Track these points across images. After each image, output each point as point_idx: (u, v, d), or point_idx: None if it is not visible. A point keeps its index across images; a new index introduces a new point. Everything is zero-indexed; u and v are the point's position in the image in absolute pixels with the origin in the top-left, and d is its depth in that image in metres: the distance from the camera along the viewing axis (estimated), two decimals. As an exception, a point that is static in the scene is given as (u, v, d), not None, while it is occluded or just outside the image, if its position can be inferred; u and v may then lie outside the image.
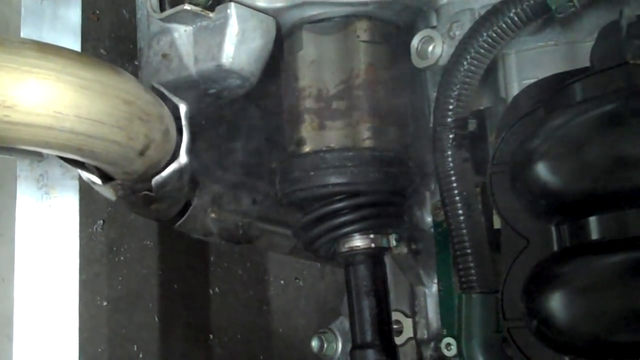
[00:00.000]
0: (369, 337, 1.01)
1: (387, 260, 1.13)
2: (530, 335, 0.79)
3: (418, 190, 1.12)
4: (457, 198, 0.93)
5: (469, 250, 0.92)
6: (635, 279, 0.71)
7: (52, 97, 0.79)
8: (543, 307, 0.75)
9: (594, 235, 0.76)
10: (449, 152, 0.93)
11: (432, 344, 1.16)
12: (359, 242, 1.03)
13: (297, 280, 1.48)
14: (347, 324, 1.24)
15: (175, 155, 0.96)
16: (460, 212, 0.93)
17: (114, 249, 1.40)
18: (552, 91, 0.81)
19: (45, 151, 0.86)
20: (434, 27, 1.02)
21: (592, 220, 0.76)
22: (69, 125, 0.80)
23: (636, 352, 0.73)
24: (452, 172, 0.93)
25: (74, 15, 1.06)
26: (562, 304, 0.74)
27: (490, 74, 0.98)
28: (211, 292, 1.50)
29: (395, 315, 1.17)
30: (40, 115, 0.79)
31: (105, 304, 1.39)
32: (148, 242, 1.44)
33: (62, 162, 0.95)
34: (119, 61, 1.23)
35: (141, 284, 1.44)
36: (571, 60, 0.92)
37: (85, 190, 1.10)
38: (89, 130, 0.82)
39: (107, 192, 0.99)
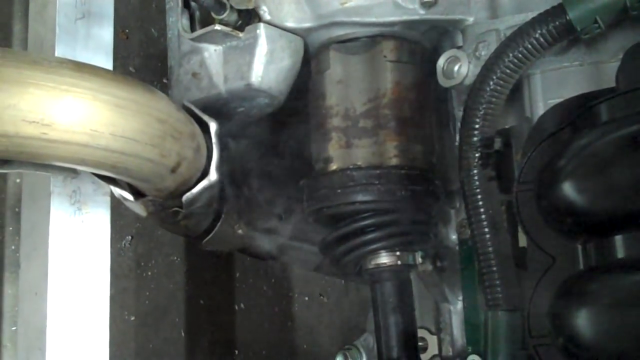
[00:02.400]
0: (395, 353, 1.02)
1: (412, 277, 1.15)
2: (557, 353, 0.79)
3: (443, 208, 1.14)
4: (483, 216, 0.94)
5: (494, 268, 0.93)
6: (661, 298, 0.72)
7: (89, 115, 0.81)
8: (569, 324, 0.76)
9: (620, 253, 0.77)
10: (475, 171, 0.94)
11: (457, 361, 1.17)
12: (385, 259, 1.04)
13: (322, 297, 1.49)
14: (371, 341, 1.25)
15: (205, 173, 0.98)
16: (486, 230, 0.93)
17: (142, 264, 1.42)
18: (578, 111, 0.83)
19: (80, 168, 0.88)
20: (459, 47, 1.03)
21: (618, 239, 0.77)
22: (104, 143, 0.82)
23: (662, 370, 0.73)
24: (478, 190, 0.94)
25: (106, 34, 1.09)
26: (589, 321, 0.75)
27: (516, 94, 0.99)
28: (236, 307, 1.51)
29: (421, 332, 1.18)
30: (77, 133, 0.81)
31: (132, 318, 1.40)
32: (175, 258, 1.46)
33: (94, 178, 0.97)
34: (148, 79, 1.25)
35: (168, 299, 1.45)
36: (596, 81, 0.93)
37: (115, 206, 1.12)
38: (124, 148, 0.84)
39: (138, 209, 1.01)
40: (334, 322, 1.45)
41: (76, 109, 0.80)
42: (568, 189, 0.77)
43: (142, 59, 1.38)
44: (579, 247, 0.82)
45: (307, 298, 1.49)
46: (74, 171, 0.94)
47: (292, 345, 1.48)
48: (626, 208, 0.75)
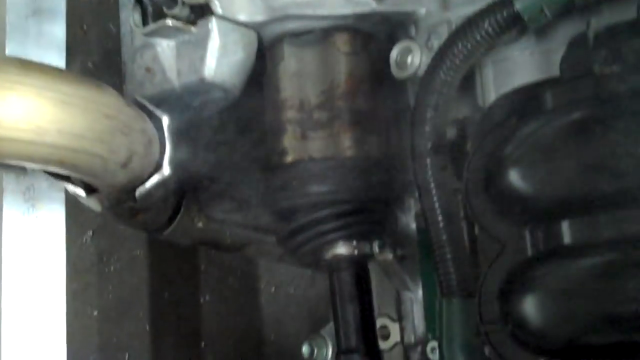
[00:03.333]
0: (353, 342, 1.03)
1: (372, 265, 1.15)
2: (507, 338, 0.80)
3: (402, 198, 1.14)
4: (436, 205, 0.94)
5: (448, 256, 0.94)
6: (604, 282, 0.73)
7: (34, 112, 0.81)
8: (517, 310, 0.77)
9: (567, 239, 0.78)
10: (427, 160, 0.94)
11: (419, 348, 1.17)
12: (342, 249, 1.04)
13: (288, 288, 1.50)
14: (336, 330, 1.26)
15: (158, 167, 0.98)
16: (440, 218, 0.94)
17: (104, 259, 1.42)
18: (525, 100, 0.83)
19: (28, 165, 0.88)
20: (412, 38, 1.04)
21: (564, 224, 0.78)
22: (50, 140, 0.82)
23: (608, 353, 0.75)
24: (430, 179, 0.94)
25: (59, 31, 1.08)
26: (535, 307, 0.76)
27: (470, 84, 1.00)
28: (202, 300, 1.51)
29: (383, 320, 1.18)
30: (22, 130, 0.81)
31: (95, 313, 1.40)
32: (138, 252, 1.46)
33: (48, 175, 0.96)
34: (107, 75, 1.25)
35: (132, 293, 1.45)
36: (547, 69, 0.93)
37: (75, 201, 1.11)
38: (71, 144, 0.84)
39: (93, 204, 1.01)
40: (301, 312, 1.46)
41: (21, 106, 0.80)
42: (513, 176, 0.78)
43: (101, 55, 1.37)
44: (527, 233, 0.82)
45: (273, 289, 1.50)
46: (23, 168, 0.93)
47: (259, 336, 1.48)
48: (571, 194, 0.76)
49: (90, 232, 1.40)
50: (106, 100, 0.88)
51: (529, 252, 0.82)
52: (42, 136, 0.81)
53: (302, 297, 1.48)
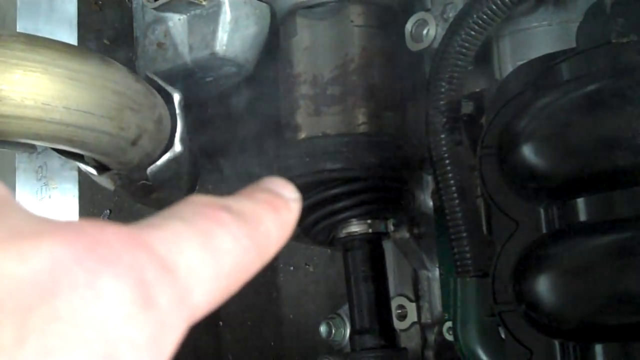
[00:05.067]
0: (367, 322, 1.01)
1: (389, 244, 1.13)
2: (520, 319, 0.78)
3: (419, 174, 1.12)
4: (452, 182, 0.92)
5: (464, 234, 0.92)
6: (620, 261, 0.71)
7: (40, 89, 0.80)
8: (530, 290, 0.75)
9: (582, 216, 0.75)
10: (442, 136, 0.92)
11: (436, 328, 1.15)
12: (356, 227, 1.03)
13: (307, 266, 1.49)
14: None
15: (170, 144, 0.97)
16: (455, 195, 0.92)
17: (121, 238, 1.41)
18: (539, 72, 0.80)
19: (36, 143, 0.87)
20: (428, 10, 1.01)
21: (580, 202, 0.75)
22: (58, 117, 0.81)
23: (623, 334, 0.72)
24: (445, 155, 0.92)
25: (70, 6, 1.07)
26: (548, 287, 0.74)
27: (487, 56, 0.97)
28: (220, 278, 1.50)
29: (399, 300, 1.17)
30: (29, 108, 0.80)
31: (113, 292, 1.40)
32: (155, 231, 1.45)
33: (58, 154, 0.96)
34: (123, 51, 1.24)
35: (149, 272, 1.44)
36: (565, 41, 0.91)
37: (91, 180, 1.11)
38: (79, 122, 0.83)
39: (105, 182, 1.01)
40: (320, 291, 1.45)
41: (27, 83, 0.79)
42: (527, 151, 0.76)
43: (116, 30, 1.36)
44: (542, 211, 0.80)
45: (292, 268, 1.48)
46: (32, 146, 0.93)
47: (278, 316, 1.47)
48: (586, 170, 0.74)
49: (108, 211, 1.40)
50: (114, 76, 0.86)
51: (544, 230, 0.80)
52: (49, 113, 0.81)
53: (321, 276, 1.46)
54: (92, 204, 1.32)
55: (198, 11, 1.02)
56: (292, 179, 1.02)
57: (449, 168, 0.92)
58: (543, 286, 0.74)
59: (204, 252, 0.31)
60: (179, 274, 0.30)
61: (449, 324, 1.07)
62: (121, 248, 0.28)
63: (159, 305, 0.28)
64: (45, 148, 1.00)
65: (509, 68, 0.95)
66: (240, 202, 0.35)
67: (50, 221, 0.28)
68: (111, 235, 0.28)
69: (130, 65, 1.08)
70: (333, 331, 1.26)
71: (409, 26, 1.00)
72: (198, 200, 0.34)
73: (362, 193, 1.01)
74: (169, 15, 1.04)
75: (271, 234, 0.35)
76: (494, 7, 0.87)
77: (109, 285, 0.27)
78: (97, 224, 0.29)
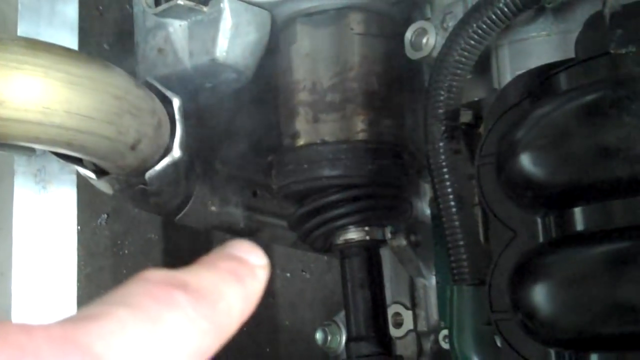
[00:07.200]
0: (363, 329, 1.02)
1: (387, 252, 1.14)
2: (517, 328, 0.78)
3: (416, 182, 1.12)
4: (449, 190, 0.92)
5: (461, 242, 0.92)
6: (617, 271, 0.71)
7: (41, 93, 0.80)
8: (526, 299, 0.75)
9: (579, 226, 0.76)
10: (441, 144, 0.92)
11: (432, 336, 1.16)
12: (353, 234, 1.03)
13: (304, 273, 1.49)
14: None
15: (168, 149, 0.97)
16: (452, 203, 0.92)
17: (119, 242, 1.42)
18: (538, 82, 0.81)
19: (36, 146, 0.87)
20: (428, 19, 1.02)
21: (577, 211, 0.76)
22: (58, 121, 0.82)
23: (619, 343, 0.72)
24: (443, 163, 0.92)
25: (71, 11, 1.07)
26: (545, 296, 0.74)
27: (486, 65, 0.98)
28: (216, 284, 1.50)
29: (396, 308, 1.17)
30: (30, 111, 0.80)
31: (109, 296, 1.40)
32: (152, 236, 1.46)
33: (57, 157, 0.96)
34: (122, 56, 1.24)
35: (146, 276, 1.44)
36: (564, 51, 0.91)
37: (89, 185, 1.11)
38: (79, 126, 0.83)
39: (104, 187, 1.01)
40: (316, 298, 1.45)
41: (28, 87, 0.79)
42: (525, 160, 0.76)
43: (117, 36, 1.37)
44: (539, 220, 0.80)
45: (288, 274, 1.49)
46: (31, 149, 0.93)
47: (274, 322, 1.47)
48: (584, 179, 0.74)
49: (105, 216, 1.40)
50: (115, 81, 0.87)
51: (541, 239, 0.80)
52: (49, 117, 0.81)
53: (317, 283, 1.46)
54: (90, 207, 1.32)
55: (199, 17, 1.02)
56: (290, 185, 1.03)
57: (447, 176, 0.92)
58: (540, 295, 0.74)
59: (152, 342, 0.28)
60: None
61: (445, 332, 1.07)
62: (51, 356, 0.25)
63: None
64: (44, 151, 1.00)
65: (507, 77, 0.95)
66: (198, 276, 0.32)
67: None
68: (40, 340, 0.26)
69: (132, 70, 1.08)
70: (329, 338, 1.26)
71: (408, 35, 1.01)
72: (150, 278, 0.31)
73: (360, 200, 1.02)
74: (169, 21, 1.04)
75: (233, 310, 0.32)
76: (494, 16, 0.88)
77: None
78: (24, 328, 0.26)
